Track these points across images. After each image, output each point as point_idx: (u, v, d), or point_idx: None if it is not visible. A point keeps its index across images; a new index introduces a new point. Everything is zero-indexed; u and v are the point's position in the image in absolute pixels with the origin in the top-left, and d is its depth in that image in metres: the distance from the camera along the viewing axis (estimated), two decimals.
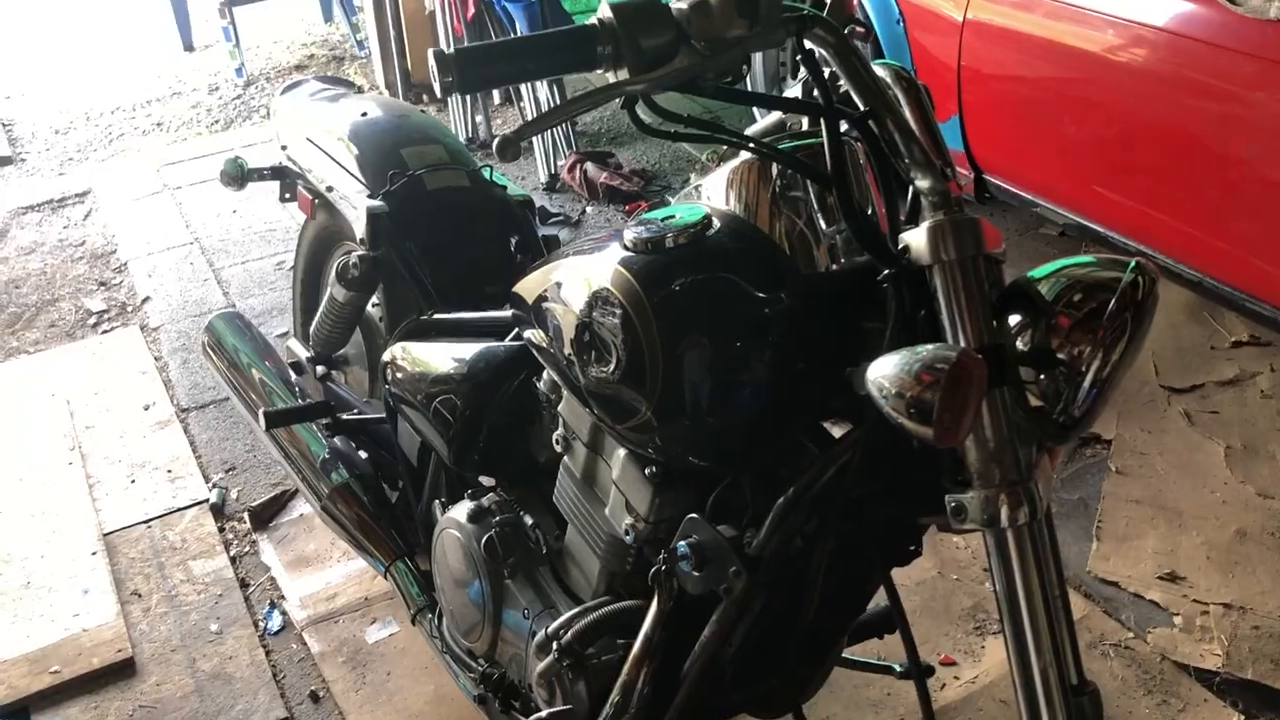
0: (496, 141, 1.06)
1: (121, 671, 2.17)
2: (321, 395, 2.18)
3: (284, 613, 2.31)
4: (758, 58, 3.71)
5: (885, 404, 0.97)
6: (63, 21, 6.47)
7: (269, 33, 5.95)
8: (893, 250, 1.06)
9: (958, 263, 1.01)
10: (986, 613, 2.18)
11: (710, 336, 1.13)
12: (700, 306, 1.14)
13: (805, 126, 1.26)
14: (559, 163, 4.15)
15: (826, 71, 1.12)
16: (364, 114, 2.11)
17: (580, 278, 1.25)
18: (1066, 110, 2.82)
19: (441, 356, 1.71)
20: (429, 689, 2.09)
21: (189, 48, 5.89)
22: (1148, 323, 1.03)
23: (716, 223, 1.17)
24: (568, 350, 1.26)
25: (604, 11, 1.06)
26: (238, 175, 2.23)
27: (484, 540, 1.55)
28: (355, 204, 1.97)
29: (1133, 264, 1.04)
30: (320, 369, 2.20)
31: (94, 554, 2.45)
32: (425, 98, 4.87)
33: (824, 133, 1.10)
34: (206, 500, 2.62)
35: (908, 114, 1.07)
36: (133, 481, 2.69)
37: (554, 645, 1.37)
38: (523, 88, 4.26)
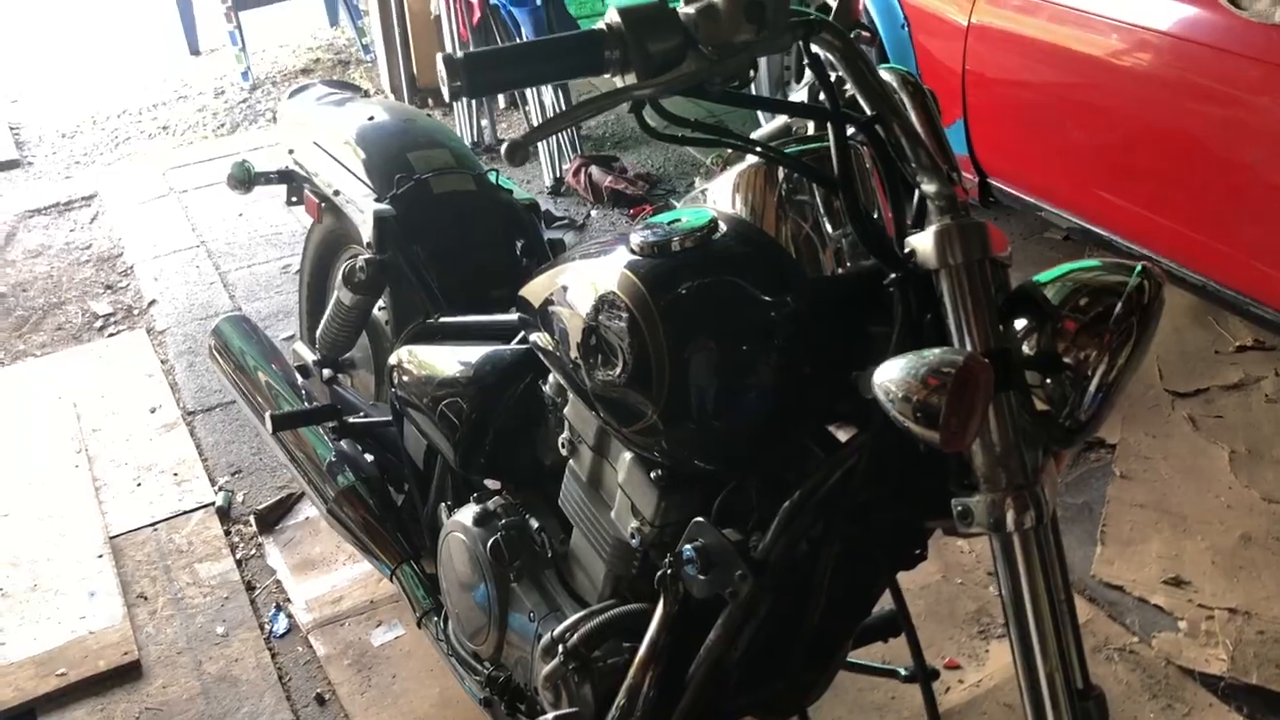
0: (505, 146, 1.07)
1: (128, 674, 2.17)
2: (328, 398, 2.18)
3: (290, 615, 2.32)
4: (762, 62, 3.72)
5: (892, 408, 0.97)
6: (69, 25, 6.49)
7: (275, 36, 5.96)
8: (899, 254, 1.06)
9: (964, 267, 1.02)
10: (991, 616, 2.18)
11: (717, 340, 1.13)
12: (706, 310, 1.15)
13: (811, 130, 1.26)
14: (564, 167, 4.15)
15: (833, 76, 1.12)
16: (370, 118, 2.12)
17: (586, 281, 1.25)
18: (1071, 115, 2.83)
19: (447, 360, 1.71)
20: (434, 692, 2.09)
21: (195, 51, 5.90)
22: (1153, 327, 1.04)
23: (723, 226, 1.18)
24: (574, 354, 1.26)
25: (612, 16, 1.06)
26: (245, 179, 2.24)
27: (490, 543, 1.56)
28: (362, 208, 1.97)
29: (1139, 268, 1.04)
30: (326, 372, 2.20)
31: (100, 557, 2.45)
32: (431, 102, 4.89)
33: (830, 137, 1.10)
34: (212, 503, 2.62)
35: (914, 118, 1.08)
36: (139, 484, 2.70)
37: (560, 648, 1.38)
38: (528, 92, 4.27)
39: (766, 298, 1.13)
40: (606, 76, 1.09)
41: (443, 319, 1.86)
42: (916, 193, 1.08)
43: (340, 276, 1.98)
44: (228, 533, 2.56)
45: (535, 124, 4.31)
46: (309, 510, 2.55)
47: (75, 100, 5.35)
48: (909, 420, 0.95)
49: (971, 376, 0.93)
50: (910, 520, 1.21)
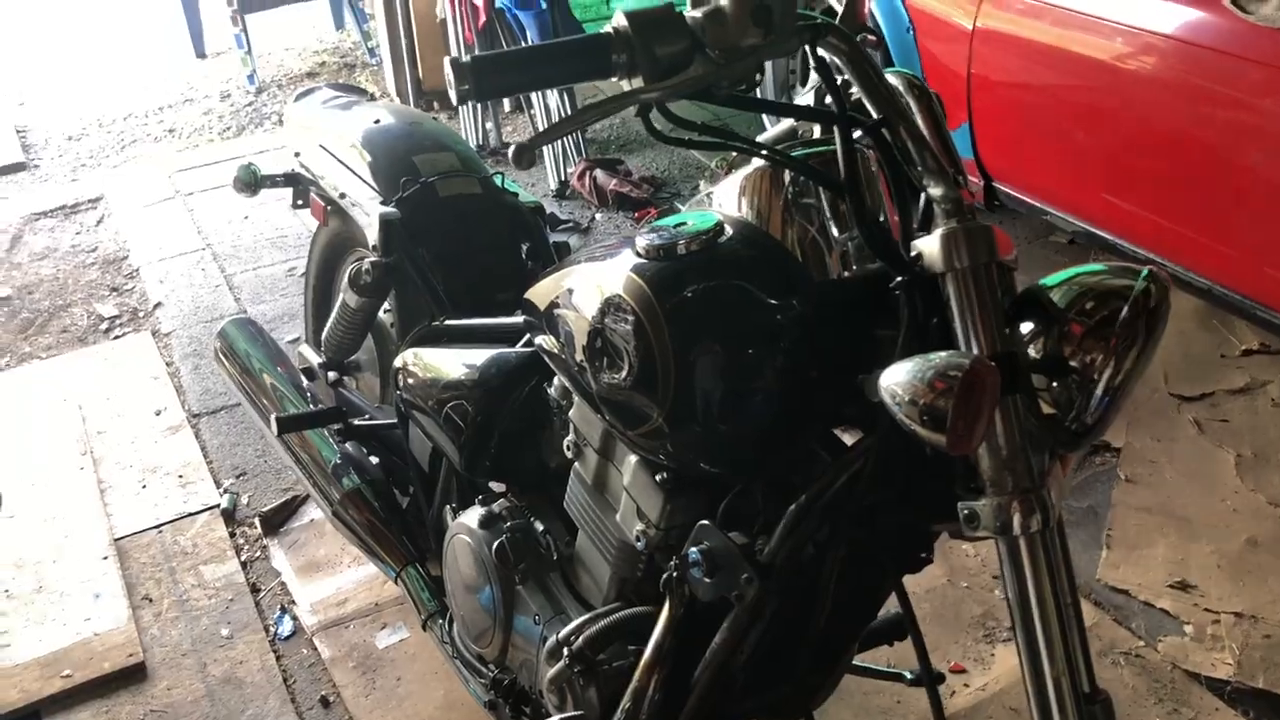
0: (512, 149, 1.07)
1: (132, 676, 2.17)
2: (333, 401, 2.18)
3: (295, 618, 2.32)
4: (768, 66, 3.72)
5: (898, 411, 0.97)
6: (75, 28, 6.51)
7: (281, 40, 5.98)
8: (905, 257, 1.06)
9: (970, 270, 1.02)
10: (996, 620, 2.18)
11: (722, 343, 1.13)
12: (712, 313, 1.15)
13: (817, 134, 1.26)
14: (569, 170, 4.15)
15: (839, 79, 1.12)
16: (376, 121, 2.12)
17: (592, 284, 1.25)
18: (1076, 118, 2.82)
19: (453, 362, 1.71)
20: (439, 694, 2.09)
21: (201, 55, 5.92)
22: (1160, 331, 1.03)
23: (728, 230, 1.18)
24: (579, 356, 1.26)
25: (619, 20, 1.06)
26: (251, 181, 2.25)
27: (495, 546, 1.56)
28: (368, 210, 1.97)
29: (1145, 272, 1.04)
30: (332, 375, 2.21)
31: (105, 559, 2.46)
32: (436, 105, 4.89)
33: (837, 140, 1.10)
34: (217, 505, 2.63)
35: (920, 122, 1.08)
36: (144, 486, 2.70)
37: (565, 651, 1.37)
38: (533, 95, 4.27)
39: (772, 301, 1.13)
40: (613, 80, 1.09)
41: (448, 322, 1.86)
42: (922, 196, 1.08)
43: (346, 279, 1.98)
44: (232, 535, 2.56)
45: (540, 127, 4.33)
46: (314, 512, 2.55)
47: (81, 103, 5.37)
48: (915, 423, 0.95)
49: (978, 380, 0.93)
50: (916, 524, 1.21)
